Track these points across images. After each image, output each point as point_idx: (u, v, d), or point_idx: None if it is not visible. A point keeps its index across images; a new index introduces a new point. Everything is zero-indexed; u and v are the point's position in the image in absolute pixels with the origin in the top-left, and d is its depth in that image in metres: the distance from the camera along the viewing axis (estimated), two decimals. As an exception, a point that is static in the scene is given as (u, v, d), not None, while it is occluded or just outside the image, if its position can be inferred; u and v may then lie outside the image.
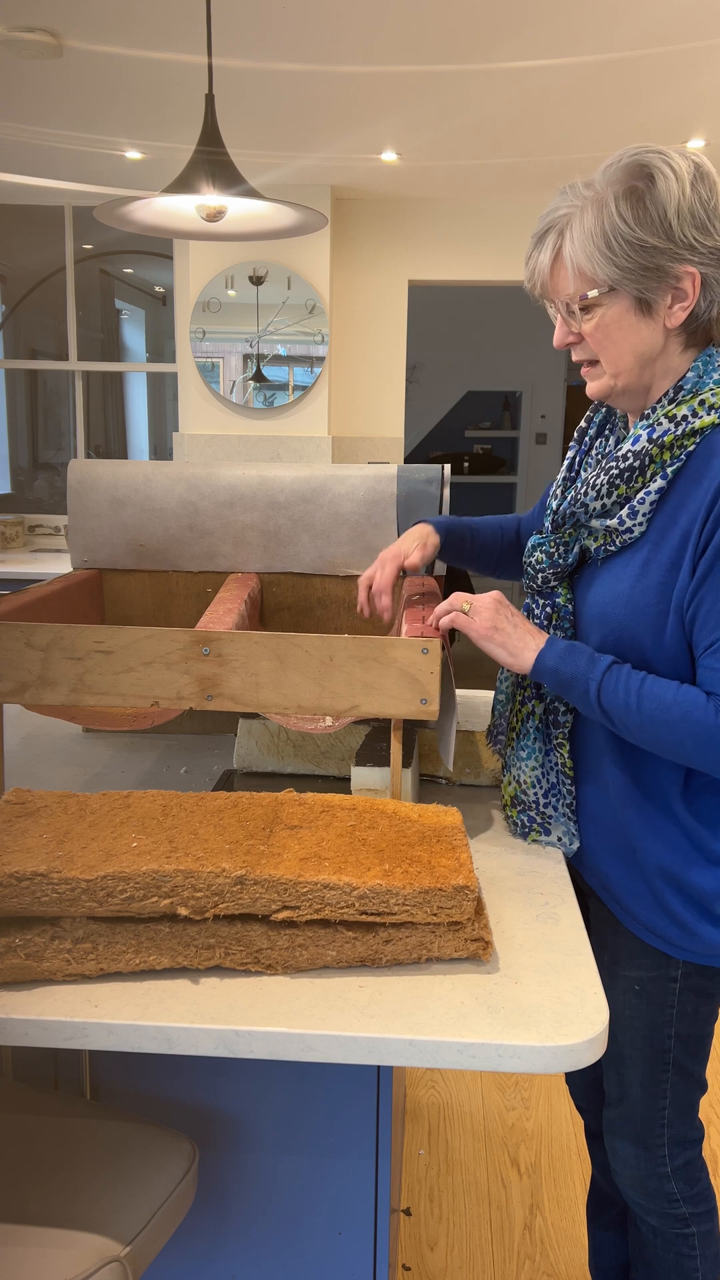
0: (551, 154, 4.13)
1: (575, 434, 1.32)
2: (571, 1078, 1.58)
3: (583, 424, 1.32)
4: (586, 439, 1.30)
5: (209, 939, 1.01)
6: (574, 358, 1.22)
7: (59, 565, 4.38)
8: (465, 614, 1.24)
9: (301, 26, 2.90)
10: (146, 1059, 1.20)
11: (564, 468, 1.30)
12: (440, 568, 1.75)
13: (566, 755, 1.27)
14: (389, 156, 4.15)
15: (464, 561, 1.52)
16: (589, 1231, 1.62)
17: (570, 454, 1.31)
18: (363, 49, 3.05)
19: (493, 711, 1.37)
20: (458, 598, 1.25)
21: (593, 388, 1.20)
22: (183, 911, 0.99)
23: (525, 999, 0.97)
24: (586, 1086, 1.55)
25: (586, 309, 1.14)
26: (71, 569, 2.19)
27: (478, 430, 8.52)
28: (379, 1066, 1.18)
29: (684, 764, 1.14)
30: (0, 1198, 1.01)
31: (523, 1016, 0.94)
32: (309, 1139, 1.21)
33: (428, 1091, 2.37)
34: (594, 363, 1.19)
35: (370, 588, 1.39)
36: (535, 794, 1.30)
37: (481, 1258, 1.89)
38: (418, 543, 1.42)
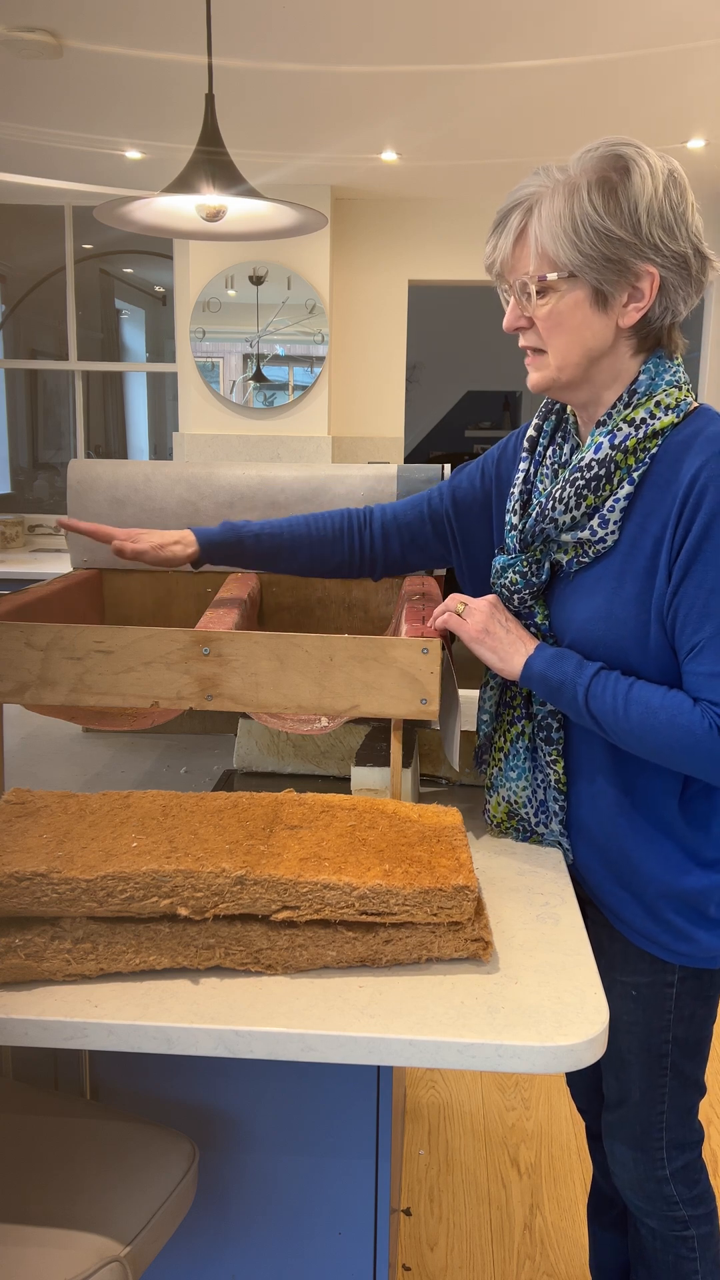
0: (551, 154, 4.13)
1: (526, 444, 1.28)
2: (572, 1080, 1.58)
3: (532, 433, 1.28)
4: (539, 449, 1.26)
5: (209, 939, 1.01)
6: (521, 343, 1.19)
7: (59, 565, 4.38)
8: (459, 615, 1.24)
9: (301, 26, 2.90)
10: (146, 1059, 1.20)
11: (519, 481, 1.26)
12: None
13: (560, 771, 1.25)
14: (389, 156, 4.15)
15: (250, 564, 1.42)
16: (589, 1231, 1.62)
17: (523, 466, 1.26)
18: (363, 49, 3.05)
19: (477, 731, 1.34)
20: (454, 599, 1.25)
21: (534, 378, 1.18)
22: (183, 911, 0.99)
23: (525, 999, 0.97)
24: (587, 1089, 1.55)
25: (542, 292, 1.12)
26: (71, 569, 2.19)
27: (478, 430, 8.52)
28: (379, 1066, 1.18)
29: (673, 769, 1.14)
30: (0, 1198, 1.01)
31: (522, 1016, 0.94)
32: (309, 1139, 1.21)
33: (428, 1091, 2.37)
34: (539, 351, 1.17)
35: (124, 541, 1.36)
36: (527, 812, 1.29)
37: (481, 1258, 1.89)
38: (160, 541, 1.37)
